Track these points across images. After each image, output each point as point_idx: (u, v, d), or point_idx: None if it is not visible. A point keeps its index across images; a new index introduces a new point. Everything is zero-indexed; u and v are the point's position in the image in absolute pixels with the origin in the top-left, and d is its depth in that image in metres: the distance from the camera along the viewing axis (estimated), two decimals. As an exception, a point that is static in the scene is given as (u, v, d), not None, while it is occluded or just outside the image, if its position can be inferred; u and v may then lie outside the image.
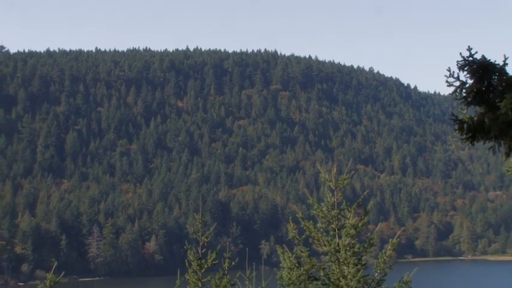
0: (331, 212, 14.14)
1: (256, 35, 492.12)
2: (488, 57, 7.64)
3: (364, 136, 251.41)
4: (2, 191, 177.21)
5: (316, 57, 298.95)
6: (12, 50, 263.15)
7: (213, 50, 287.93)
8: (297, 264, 14.09)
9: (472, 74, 7.58)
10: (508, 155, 7.69)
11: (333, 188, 14.37)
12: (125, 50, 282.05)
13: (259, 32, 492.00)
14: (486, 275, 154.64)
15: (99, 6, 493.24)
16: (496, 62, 7.59)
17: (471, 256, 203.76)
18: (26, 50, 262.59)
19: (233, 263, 17.23)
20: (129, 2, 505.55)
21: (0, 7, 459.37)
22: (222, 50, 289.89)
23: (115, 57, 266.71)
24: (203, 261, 16.87)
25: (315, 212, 14.38)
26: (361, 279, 13.39)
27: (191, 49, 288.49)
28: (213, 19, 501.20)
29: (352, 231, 13.83)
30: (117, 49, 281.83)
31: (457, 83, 7.64)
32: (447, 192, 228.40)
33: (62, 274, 15.87)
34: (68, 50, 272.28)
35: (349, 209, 14.12)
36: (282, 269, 14.30)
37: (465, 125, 7.68)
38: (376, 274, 13.81)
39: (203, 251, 17.01)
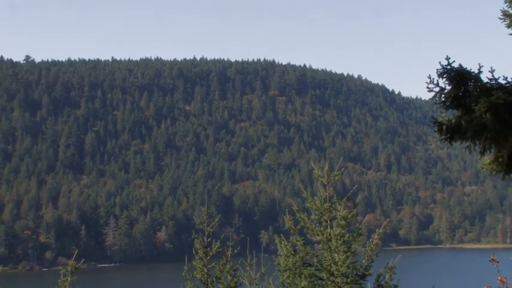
0: (324, 205, 14.14)
1: (256, 45, 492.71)
2: (464, 65, 7.64)
3: (353, 136, 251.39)
4: (28, 186, 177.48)
5: (310, 66, 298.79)
6: (37, 59, 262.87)
7: (217, 60, 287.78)
8: (292, 252, 14.10)
9: (450, 80, 7.58)
10: (482, 154, 7.69)
11: (325, 183, 14.37)
12: (138, 59, 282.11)
13: (259, 43, 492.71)
14: (463, 262, 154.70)
15: (115, 20, 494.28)
16: (472, 70, 7.59)
17: (449, 244, 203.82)
18: (50, 59, 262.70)
19: (235, 251, 17.22)
20: (141, 16, 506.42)
21: (25, 20, 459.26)
22: (225, 59, 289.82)
23: (129, 66, 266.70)
24: (208, 249, 16.87)
25: (309, 205, 14.38)
26: (350, 265, 13.40)
27: (198, 58, 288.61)
28: (217, 31, 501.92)
29: (343, 222, 13.84)
30: (131, 58, 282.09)
31: (437, 89, 7.64)
32: (428, 187, 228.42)
33: (82, 261, 15.88)
34: (87, 59, 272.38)
35: (340, 202, 14.12)
36: (279, 256, 14.30)
37: (444, 127, 7.67)
38: (364, 261, 13.81)
39: (208, 240, 17.00)
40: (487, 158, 7.83)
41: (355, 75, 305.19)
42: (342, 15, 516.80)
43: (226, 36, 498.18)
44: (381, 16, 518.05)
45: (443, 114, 7.77)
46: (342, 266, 13.25)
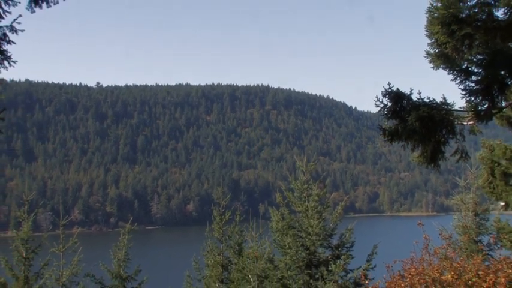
0: (303, 186, 14.16)
1: (256, 74, 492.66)
2: (401, 88, 7.65)
3: (324, 138, 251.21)
4: (98, 172, 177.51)
5: (293, 89, 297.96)
6: (104, 85, 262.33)
7: (229, 84, 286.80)
8: (281, 218, 14.12)
9: (391, 99, 7.58)
10: (413, 151, 7.70)
11: (304, 171, 14.40)
12: (174, 84, 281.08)
13: (258, 73, 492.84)
14: (399, 225, 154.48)
15: (157, 56, 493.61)
16: (406, 92, 7.60)
17: (390, 213, 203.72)
18: (113, 85, 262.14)
19: (241, 218, 17.25)
20: (176, 53, 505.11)
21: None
22: (234, 84, 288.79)
23: (168, 89, 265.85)
24: (223, 216, 16.89)
25: (292, 186, 14.41)
26: (322, 228, 13.42)
27: (215, 83, 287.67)
28: (228, 65, 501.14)
29: (316, 198, 13.86)
30: (169, 84, 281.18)
31: (381, 105, 7.65)
32: (375, 173, 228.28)
33: (135, 224, 15.92)
34: (138, 84, 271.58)
35: (314, 184, 14.14)
36: (272, 221, 14.33)
37: (386, 132, 7.68)
38: (331, 224, 13.84)
39: (223, 210, 17.03)
40: (416, 153, 7.84)
41: (325, 96, 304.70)
42: (314, 51, 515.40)
43: (234, 68, 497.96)
44: (344, 53, 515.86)
45: (386, 123, 7.78)
46: (315, 228, 13.27)
